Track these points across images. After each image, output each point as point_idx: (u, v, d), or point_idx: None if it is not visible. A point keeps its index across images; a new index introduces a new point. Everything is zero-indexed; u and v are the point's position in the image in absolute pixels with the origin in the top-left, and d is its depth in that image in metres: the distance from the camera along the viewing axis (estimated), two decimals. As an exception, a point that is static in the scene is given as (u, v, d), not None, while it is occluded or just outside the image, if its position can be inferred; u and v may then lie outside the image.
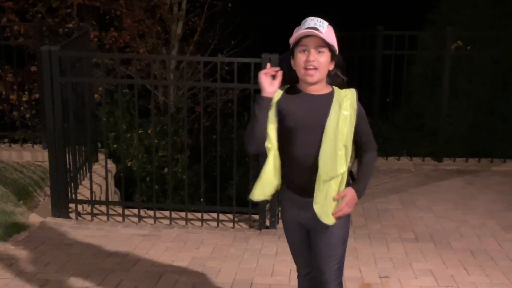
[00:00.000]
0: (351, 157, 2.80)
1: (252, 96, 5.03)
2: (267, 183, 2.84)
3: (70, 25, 9.26)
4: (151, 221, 5.26)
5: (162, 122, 8.55)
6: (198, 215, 5.30)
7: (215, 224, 5.25)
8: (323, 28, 2.66)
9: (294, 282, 4.15)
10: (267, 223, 5.14)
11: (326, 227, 2.80)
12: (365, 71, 6.64)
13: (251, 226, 5.20)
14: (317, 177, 2.72)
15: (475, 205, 5.68)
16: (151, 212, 5.34)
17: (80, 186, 5.68)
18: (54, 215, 5.24)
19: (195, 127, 9.61)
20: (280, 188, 2.90)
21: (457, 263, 4.46)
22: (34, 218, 5.23)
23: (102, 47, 9.87)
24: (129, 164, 8.04)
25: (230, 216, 5.30)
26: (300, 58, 2.68)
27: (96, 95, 6.97)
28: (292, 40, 2.71)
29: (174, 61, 10.29)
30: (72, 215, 5.28)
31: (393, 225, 5.22)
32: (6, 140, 6.87)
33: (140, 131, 8.02)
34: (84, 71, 5.70)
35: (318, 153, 2.70)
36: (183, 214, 5.32)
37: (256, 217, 5.21)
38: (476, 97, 6.99)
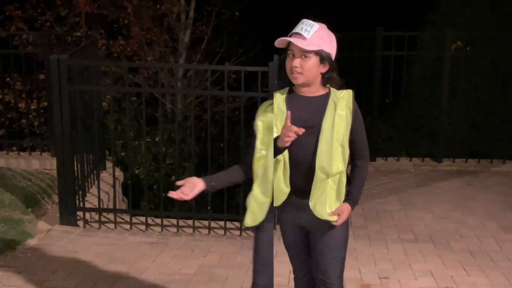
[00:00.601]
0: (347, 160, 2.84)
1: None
2: (280, 193, 2.82)
3: (79, 34, 9.31)
4: (159, 229, 5.27)
5: (170, 130, 8.57)
6: (205, 223, 5.31)
7: (222, 232, 5.26)
8: (309, 32, 2.69)
9: (293, 282, 4.16)
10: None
11: (328, 228, 2.81)
12: (365, 72, 6.65)
13: (258, 234, 5.19)
14: (314, 176, 2.75)
15: (474, 205, 5.68)
16: (158, 220, 5.35)
17: (88, 194, 5.70)
18: (62, 223, 5.25)
19: (203, 135, 9.63)
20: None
21: (456, 264, 4.46)
22: (42, 226, 5.25)
23: (110, 56, 9.92)
24: (136, 172, 8.06)
25: (237, 224, 5.30)
26: (287, 62, 2.76)
27: (104, 103, 7.00)
28: (278, 43, 2.77)
29: (181, 69, 10.32)
30: (80, 222, 5.30)
31: (393, 225, 5.23)
32: (14, 148, 6.90)
33: (147, 139, 8.04)
34: (92, 79, 5.73)
35: (316, 153, 2.74)
36: (190, 222, 5.33)
37: (263, 225, 5.20)
38: (475, 98, 6.98)
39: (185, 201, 7.64)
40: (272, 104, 2.82)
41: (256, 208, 2.85)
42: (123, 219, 5.41)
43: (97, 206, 5.41)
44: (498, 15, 7.94)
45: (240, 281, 4.28)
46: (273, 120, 2.78)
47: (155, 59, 10.05)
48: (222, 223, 5.30)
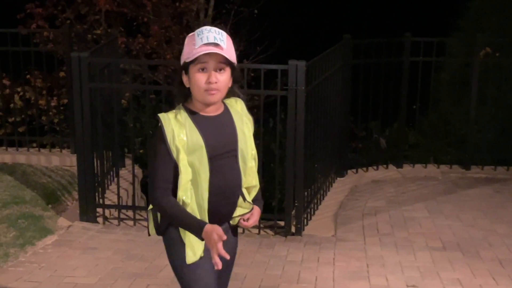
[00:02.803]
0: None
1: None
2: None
3: (98, 32, 9.37)
4: (177, 226, 5.28)
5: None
6: (224, 220, 5.31)
7: (240, 230, 5.26)
8: (223, 42, 2.38)
9: (320, 289, 4.16)
10: (293, 229, 5.13)
11: (231, 248, 2.60)
12: (392, 78, 6.61)
13: (276, 233, 5.20)
14: (239, 197, 2.56)
15: (503, 213, 5.61)
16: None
17: (107, 191, 5.74)
18: (81, 219, 5.29)
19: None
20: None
21: (485, 273, 4.40)
22: (62, 222, 5.29)
23: (129, 53, 9.96)
24: (155, 169, 8.07)
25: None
26: (199, 78, 2.38)
27: (123, 101, 7.04)
28: (188, 56, 2.39)
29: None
30: (100, 219, 5.33)
31: (420, 233, 5.17)
32: (35, 145, 6.96)
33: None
34: (112, 77, 5.76)
35: (239, 176, 2.52)
36: (209, 219, 5.33)
37: (282, 223, 5.21)
38: (504, 104, 6.90)
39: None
40: (178, 115, 2.44)
41: (195, 239, 2.47)
42: (142, 216, 5.43)
43: (117, 203, 5.44)
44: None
45: (259, 280, 4.28)
46: (194, 136, 2.42)
47: (174, 57, 10.06)
48: (240, 221, 5.30)
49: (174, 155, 2.42)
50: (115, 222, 5.34)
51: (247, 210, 2.63)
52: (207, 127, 2.46)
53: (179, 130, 2.42)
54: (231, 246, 2.64)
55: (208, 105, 2.46)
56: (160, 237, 4.95)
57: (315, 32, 11.98)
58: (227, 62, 2.41)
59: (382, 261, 4.60)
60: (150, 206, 2.60)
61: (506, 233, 5.15)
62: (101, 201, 5.42)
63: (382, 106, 6.70)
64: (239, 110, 2.57)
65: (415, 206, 5.80)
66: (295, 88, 4.93)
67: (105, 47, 6.01)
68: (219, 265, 2.35)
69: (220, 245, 2.33)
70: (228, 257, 2.34)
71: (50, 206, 5.57)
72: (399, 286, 4.20)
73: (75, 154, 5.45)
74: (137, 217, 5.37)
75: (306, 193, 5.31)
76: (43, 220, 5.21)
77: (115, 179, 5.71)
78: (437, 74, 7.79)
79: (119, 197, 5.45)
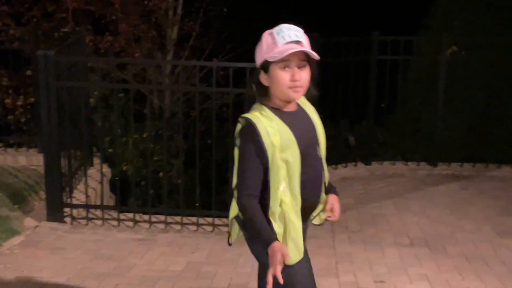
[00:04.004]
0: None
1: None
2: (296, 228, 2.45)
3: (66, 30, 9.25)
4: (147, 225, 5.26)
5: (157, 126, 8.55)
6: (194, 219, 5.30)
7: (210, 228, 5.25)
8: (303, 39, 2.38)
9: None
10: (263, 227, 5.13)
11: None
12: (360, 77, 6.66)
13: (246, 231, 5.20)
14: (322, 191, 2.58)
15: (470, 210, 5.70)
16: (146, 217, 5.33)
17: (75, 191, 5.68)
18: (49, 219, 5.23)
19: (191, 132, 9.61)
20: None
21: (452, 268, 4.47)
22: (29, 223, 5.22)
23: (98, 52, 9.86)
24: (124, 168, 8.03)
25: (226, 220, 5.29)
26: (282, 76, 2.39)
27: (91, 100, 6.97)
28: (268, 55, 2.40)
29: (169, 66, 10.29)
30: (67, 219, 5.27)
31: (388, 230, 5.23)
32: (1, 144, 6.85)
33: (135, 136, 8.02)
34: (79, 75, 5.70)
35: (322, 166, 2.57)
36: (178, 218, 5.32)
37: (252, 221, 5.21)
38: (471, 102, 7.01)
39: (173, 197, 7.63)
40: (265, 116, 2.43)
41: (299, 237, 2.45)
42: (110, 215, 5.39)
43: (85, 203, 5.39)
44: (494, 19, 7.98)
45: (228, 278, 4.28)
46: (285, 133, 2.42)
47: (143, 55, 10.01)
48: (210, 219, 5.30)
49: (269, 152, 2.39)
50: (83, 222, 5.29)
51: (322, 206, 2.63)
52: (293, 123, 2.47)
53: (272, 128, 2.41)
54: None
55: (288, 102, 2.48)
56: (129, 237, 4.93)
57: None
58: (308, 59, 2.41)
59: (351, 258, 4.63)
60: (232, 215, 2.59)
61: (472, 229, 5.23)
62: (68, 200, 5.36)
63: (351, 104, 6.75)
64: (308, 105, 2.61)
65: (383, 203, 5.86)
66: (264, 86, 4.92)
67: (72, 45, 5.94)
68: (270, 285, 2.27)
69: (279, 268, 2.26)
70: (281, 281, 2.25)
71: (16, 206, 5.48)
72: (367, 282, 4.24)
73: (42, 154, 5.38)
74: (106, 216, 5.32)
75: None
76: (9, 221, 5.13)
77: (83, 179, 5.65)
78: (405, 73, 7.87)
79: (87, 196, 5.39)
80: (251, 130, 2.40)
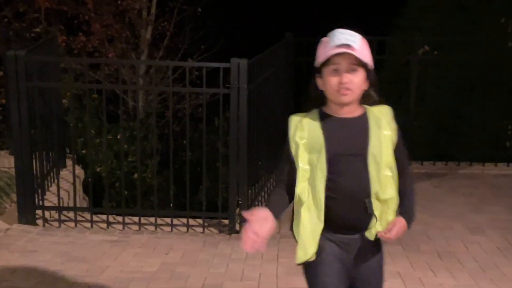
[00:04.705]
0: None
1: (221, 102, 5.06)
2: (305, 228, 2.45)
3: (38, 30, 9.16)
4: (120, 227, 5.22)
5: (132, 127, 8.49)
6: (168, 220, 5.28)
7: (184, 229, 5.23)
8: (356, 43, 2.39)
9: (263, 286, 4.17)
10: (237, 227, 5.13)
11: (371, 257, 2.56)
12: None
13: (221, 231, 5.19)
14: (373, 204, 2.45)
15: (442, 207, 5.75)
16: (120, 218, 5.29)
17: (47, 193, 5.61)
18: (20, 221, 5.16)
19: (166, 132, 9.57)
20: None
21: (424, 266, 4.50)
22: (0, 225, 5.14)
23: (71, 52, 9.78)
24: (98, 169, 7.97)
25: (200, 221, 5.28)
26: (331, 79, 2.40)
27: (64, 100, 6.91)
28: (321, 58, 2.43)
29: (143, 66, 10.24)
30: (39, 221, 5.21)
31: (362, 228, 5.25)
32: (-29, 146, 6.76)
33: (109, 137, 7.95)
34: (51, 76, 5.63)
35: (368, 184, 2.43)
36: (152, 219, 5.29)
37: (226, 222, 5.20)
38: (443, 101, 7.08)
39: (148, 198, 7.57)
40: (304, 118, 2.48)
41: (307, 237, 2.45)
42: (83, 217, 5.34)
43: (57, 205, 5.33)
44: (465, 19, 8.08)
45: (202, 278, 4.26)
46: (316, 136, 2.43)
47: (117, 55, 9.95)
48: (184, 220, 5.27)
49: (293, 151, 2.45)
50: (56, 224, 5.23)
51: (376, 222, 2.48)
52: (334, 128, 2.45)
53: (301, 127, 2.46)
54: (367, 261, 2.56)
55: (342, 106, 2.44)
56: (102, 239, 4.90)
57: (260, 30, 12.02)
58: (360, 64, 2.40)
59: (325, 257, 4.64)
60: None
61: (445, 226, 5.28)
62: (40, 202, 5.30)
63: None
64: (380, 116, 2.50)
65: (357, 202, 5.87)
66: (237, 86, 4.93)
67: (44, 45, 5.87)
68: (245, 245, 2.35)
69: (250, 223, 2.36)
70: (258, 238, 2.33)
71: (-13, 209, 5.41)
72: (341, 281, 4.25)
73: (13, 155, 5.31)
74: (78, 218, 5.27)
75: (250, 191, 5.32)
76: (-20, 224, 5.06)
77: (56, 180, 5.59)
78: (378, 73, 7.93)
79: (59, 198, 5.33)
80: (287, 125, 2.52)
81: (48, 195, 5.57)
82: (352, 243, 2.50)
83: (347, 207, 2.44)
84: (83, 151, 7.89)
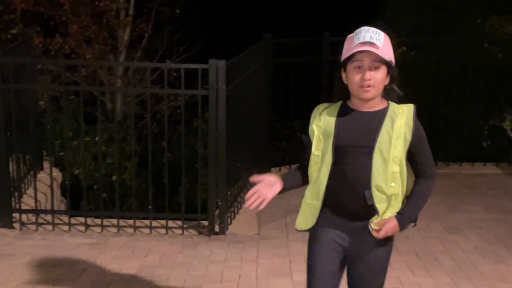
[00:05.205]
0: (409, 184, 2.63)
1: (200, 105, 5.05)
2: (307, 203, 2.71)
3: (14, 31, 9.06)
4: (99, 229, 5.18)
5: (110, 129, 8.43)
6: (147, 222, 5.24)
7: (164, 231, 5.20)
8: (379, 41, 2.49)
9: (243, 287, 4.17)
10: (216, 229, 5.12)
11: (370, 250, 2.65)
12: (312, 77, 6.71)
13: (200, 233, 5.18)
14: (374, 196, 2.54)
15: (420, 207, 5.78)
16: (98, 221, 5.25)
17: (24, 196, 5.55)
18: (-3, 225, 5.10)
19: (144, 134, 9.52)
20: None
21: (402, 265, 4.53)
22: (-24, 229, 5.08)
23: (48, 53, 9.69)
24: (76, 172, 7.90)
25: (179, 222, 5.26)
26: (354, 75, 2.51)
27: (41, 102, 6.84)
28: (345, 55, 2.55)
29: (121, 68, 10.18)
30: (16, 225, 5.15)
31: (341, 228, 5.26)
32: None
33: (87, 139, 7.90)
34: (28, 78, 5.57)
35: (370, 176, 2.53)
36: (131, 221, 5.25)
37: (205, 223, 5.19)
38: (420, 101, 7.10)
39: (126, 200, 7.51)
40: (327, 108, 2.65)
41: (307, 210, 2.71)
42: (61, 220, 5.29)
43: (34, 208, 5.27)
44: (441, 20, 8.15)
45: (181, 280, 4.25)
46: (329, 125, 2.59)
47: (94, 57, 9.88)
48: (163, 222, 5.25)
49: (311, 136, 2.65)
50: (33, 227, 5.17)
51: (376, 216, 2.58)
52: (348, 120, 2.58)
53: (319, 116, 2.64)
54: (368, 252, 2.66)
55: (364, 101, 2.55)
56: (80, 241, 4.87)
57: (238, 31, 12.02)
58: (383, 61, 2.50)
59: (304, 258, 4.60)
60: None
61: (422, 226, 5.30)
62: (17, 206, 5.24)
63: (304, 104, 6.78)
64: (398, 113, 2.55)
65: (336, 203, 5.89)
66: (216, 87, 4.92)
67: (19, 47, 5.81)
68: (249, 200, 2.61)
69: (259, 184, 2.63)
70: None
71: (-37, 212, 5.33)
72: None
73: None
74: (56, 221, 5.21)
75: (229, 192, 5.31)
76: (-45, 228, 4.99)
77: (33, 183, 5.53)
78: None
79: (36, 201, 5.28)
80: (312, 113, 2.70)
81: (25, 198, 5.51)
82: (354, 230, 2.64)
83: (346, 195, 2.58)
84: (61, 153, 7.81)
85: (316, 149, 2.64)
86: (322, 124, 2.62)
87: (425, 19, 8.28)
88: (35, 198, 5.26)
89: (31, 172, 5.73)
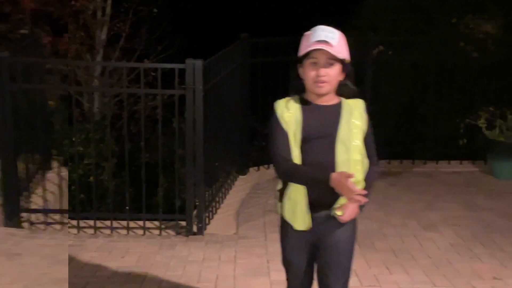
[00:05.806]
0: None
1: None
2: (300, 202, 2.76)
3: (23, 31, 8.98)
4: (75, 231, 5.14)
5: (87, 129, 8.36)
6: (124, 223, 5.21)
7: (141, 232, 5.18)
8: (334, 40, 2.64)
9: (221, 287, 4.16)
10: (194, 229, 5.11)
11: (336, 240, 2.82)
12: (291, 76, 6.69)
13: (178, 233, 5.16)
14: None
15: (397, 205, 5.83)
16: (74, 222, 5.20)
17: (33, 195, 5.52)
18: (6, 224, 5.08)
19: (123, 134, 9.46)
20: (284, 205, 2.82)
21: (380, 263, 4.56)
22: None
23: (57, 53, 9.62)
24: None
25: (157, 223, 5.24)
26: (310, 71, 2.67)
27: (50, 102, 6.78)
28: (302, 51, 2.69)
29: (99, 67, 10.11)
30: (25, 224, 5.14)
31: (318, 227, 5.27)
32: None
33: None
34: (36, 77, 5.59)
35: (333, 163, 2.67)
36: (108, 222, 5.22)
37: (183, 223, 5.17)
38: (397, 100, 7.17)
39: (104, 201, 7.44)
40: (289, 101, 2.76)
41: (296, 196, 2.77)
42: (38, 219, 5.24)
43: (43, 207, 5.23)
44: (418, 20, 8.20)
45: (158, 281, 4.23)
46: (296, 116, 2.71)
47: (71, 56, 9.80)
48: (141, 222, 5.22)
49: (285, 126, 2.71)
50: (42, 226, 5.14)
51: (343, 199, 2.71)
52: (311, 111, 2.72)
53: (286, 109, 2.73)
54: (335, 238, 2.81)
55: (319, 95, 2.71)
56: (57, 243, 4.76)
57: (216, 31, 12.00)
58: (337, 59, 2.64)
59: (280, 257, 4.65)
60: (279, 186, 2.83)
61: (400, 224, 5.36)
62: (26, 205, 5.22)
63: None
64: (353, 106, 2.76)
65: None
66: (193, 87, 4.91)
67: (28, 47, 5.78)
68: (359, 198, 2.61)
69: (350, 182, 2.56)
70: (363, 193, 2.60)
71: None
72: (298, 280, 4.27)
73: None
74: (65, 220, 5.17)
75: (207, 192, 5.30)
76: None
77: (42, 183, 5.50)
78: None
79: (45, 201, 5.24)
80: (274, 111, 2.77)
81: (34, 198, 5.49)
82: (320, 219, 2.76)
83: (315, 187, 2.69)
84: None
85: (294, 140, 2.71)
86: (291, 115, 2.72)
87: (402, 18, 8.33)
88: (44, 198, 5.26)
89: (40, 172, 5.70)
